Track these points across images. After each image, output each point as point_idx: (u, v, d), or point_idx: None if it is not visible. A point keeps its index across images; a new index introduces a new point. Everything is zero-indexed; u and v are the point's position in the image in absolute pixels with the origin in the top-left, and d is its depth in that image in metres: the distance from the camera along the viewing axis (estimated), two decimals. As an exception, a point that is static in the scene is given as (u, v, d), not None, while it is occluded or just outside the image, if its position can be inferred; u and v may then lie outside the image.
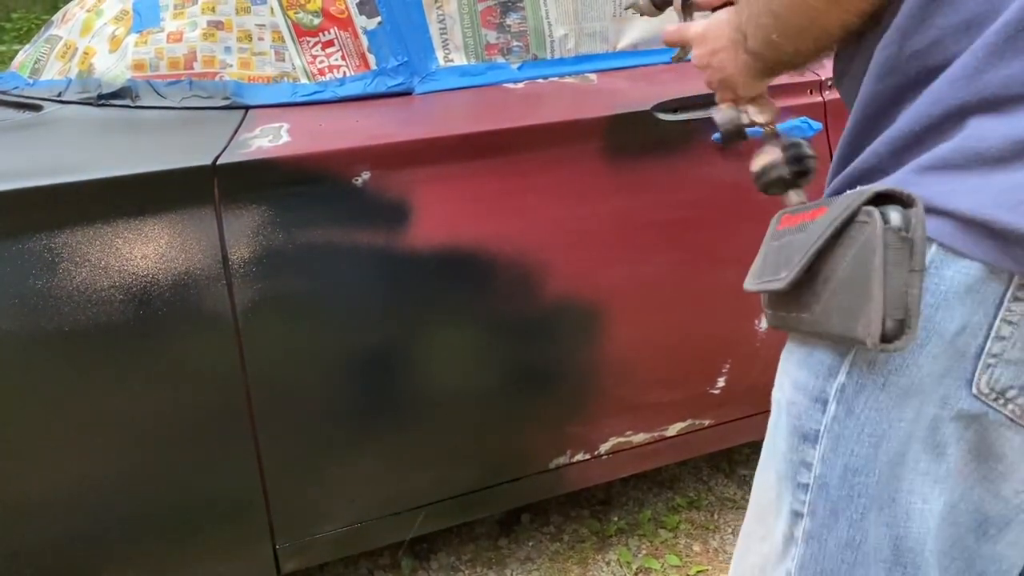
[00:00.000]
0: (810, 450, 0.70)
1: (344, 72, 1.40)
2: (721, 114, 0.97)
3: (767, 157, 0.92)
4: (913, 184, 0.63)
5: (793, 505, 0.72)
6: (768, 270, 0.73)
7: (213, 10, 1.36)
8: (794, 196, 0.91)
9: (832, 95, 1.61)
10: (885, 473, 0.67)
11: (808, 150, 0.92)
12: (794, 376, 0.73)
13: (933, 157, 0.63)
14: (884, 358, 0.64)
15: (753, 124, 0.97)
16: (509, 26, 1.49)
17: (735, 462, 2.18)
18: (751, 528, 0.81)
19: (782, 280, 0.68)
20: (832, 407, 0.68)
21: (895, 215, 0.60)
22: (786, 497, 0.73)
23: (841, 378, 0.67)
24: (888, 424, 0.66)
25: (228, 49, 1.35)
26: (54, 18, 1.59)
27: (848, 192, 0.65)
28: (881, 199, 0.62)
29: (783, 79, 0.89)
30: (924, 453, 0.66)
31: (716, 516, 1.99)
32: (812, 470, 0.70)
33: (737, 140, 0.98)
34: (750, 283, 0.77)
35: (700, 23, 0.95)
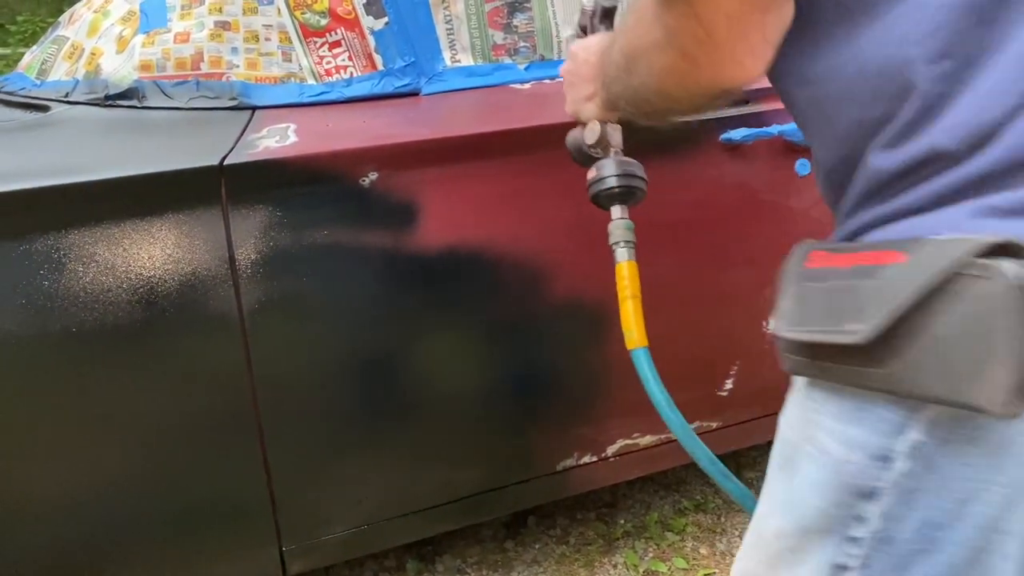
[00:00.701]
0: (867, 505, 0.64)
1: (351, 73, 1.39)
2: (570, 137, 1.04)
3: (596, 172, 1.01)
4: (1005, 229, 0.55)
5: (836, 558, 0.66)
6: (818, 317, 0.64)
7: (220, 11, 1.36)
8: (617, 211, 1.02)
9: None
10: (971, 536, 0.61)
11: (640, 173, 1.00)
12: (839, 431, 0.65)
13: (1014, 200, 0.57)
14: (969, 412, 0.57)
15: (588, 145, 1.01)
16: (516, 27, 1.49)
17: (742, 465, 2.17)
18: (755, 571, 0.75)
19: (854, 334, 0.59)
20: (902, 464, 0.62)
21: (1012, 268, 0.52)
22: (823, 550, 0.67)
23: (914, 435, 0.61)
24: (980, 483, 0.60)
25: (235, 50, 1.35)
26: (61, 19, 1.59)
27: (933, 239, 0.57)
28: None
29: None
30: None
31: (723, 519, 1.98)
32: (867, 524, 0.64)
33: (585, 161, 1.03)
34: (790, 329, 0.67)
35: (581, 41, 0.99)
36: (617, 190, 1.00)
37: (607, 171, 1.00)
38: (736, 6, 0.60)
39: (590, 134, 0.99)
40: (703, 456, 1.00)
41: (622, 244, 1.02)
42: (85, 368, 1.21)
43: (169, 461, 1.29)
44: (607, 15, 1.04)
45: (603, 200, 1.02)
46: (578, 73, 0.96)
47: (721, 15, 0.61)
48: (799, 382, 0.70)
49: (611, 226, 1.03)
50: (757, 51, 0.63)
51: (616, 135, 1.02)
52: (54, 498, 1.25)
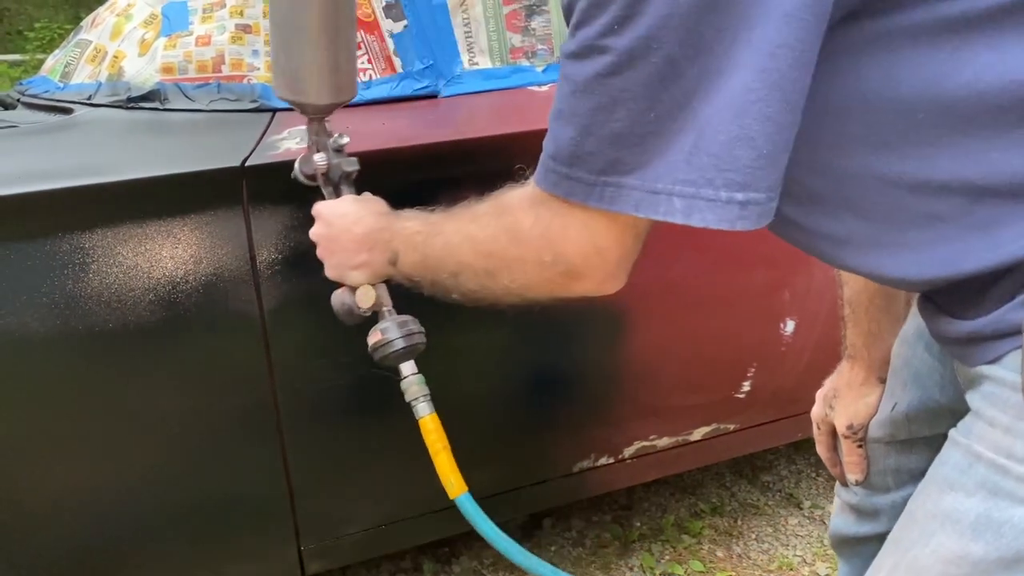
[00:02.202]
0: None
1: (370, 75, 1.40)
2: (336, 299, 1.03)
3: (378, 336, 1.03)
4: None
5: None
6: None
7: (241, 14, 1.37)
8: (407, 367, 1.04)
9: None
10: None
11: (416, 326, 1.04)
12: None
13: None
14: None
15: (361, 309, 1.02)
16: (534, 29, 1.49)
17: (758, 468, 2.16)
18: None
19: None
20: None
21: None
22: None
23: None
24: None
25: (256, 52, 1.36)
26: (84, 22, 1.61)
27: None
28: None
29: None
30: None
31: (739, 522, 1.98)
32: None
33: (355, 322, 1.04)
34: None
35: (330, 204, 1.01)
36: (404, 350, 1.03)
37: (391, 334, 1.03)
38: (630, 243, 0.68)
39: (364, 299, 1.01)
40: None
41: (420, 399, 1.06)
42: (107, 367, 1.22)
43: (190, 460, 1.30)
44: (347, 178, 1.08)
45: (391, 362, 1.05)
46: (339, 241, 0.98)
47: (617, 249, 0.69)
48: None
49: (404, 384, 1.06)
50: (629, 270, 0.72)
51: (385, 294, 1.03)
52: (75, 497, 1.26)
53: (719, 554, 1.87)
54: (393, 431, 1.42)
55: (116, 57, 1.42)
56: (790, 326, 1.64)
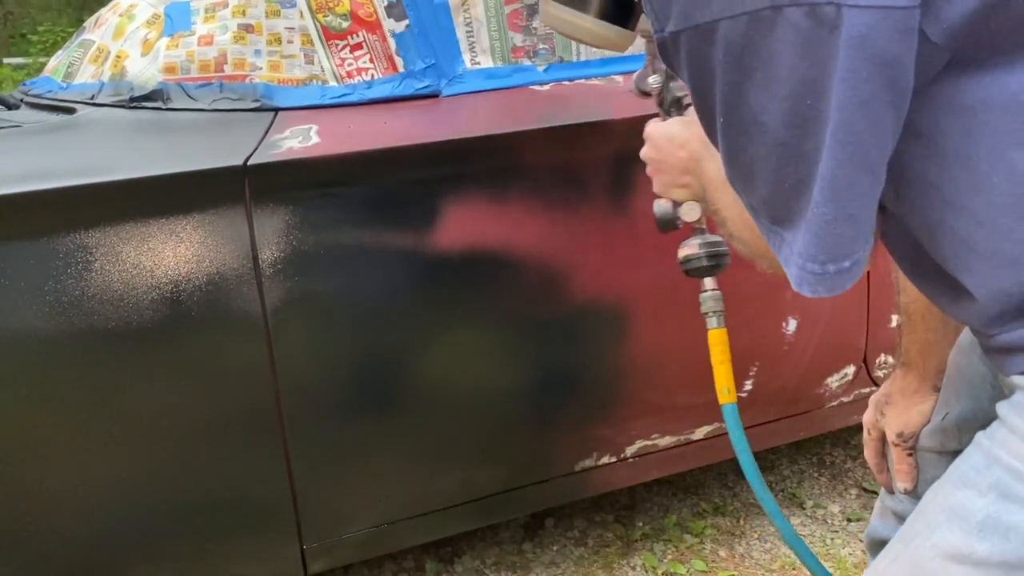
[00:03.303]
0: None
1: (372, 75, 1.41)
2: (660, 208, 1.11)
3: (689, 250, 1.12)
4: None
5: None
6: None
7: (243, 14, 1.37)
8: (709, 282, 1.14)
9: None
10: None
11: (723, 247, 1.11)
12: None
13: None
14: None
15: (684, 222, 1.10)
16: (536, 29, 1.49)
17: (761, 468, 2.16)
18: None
19: None
20: None
21: None
22: None
23: None
24: None
25: (258, 52, 1.36)
26: (87, 23, 1.62)
27: None
28: None
29: None
30: None
31: (742, 521, 1.97)
32: None
33: (671, 230, 1.12)
34: None
35: (661, 126, 1.05)
36: (710, 266, 1.12)
37: (702, 251, 1.12)
38: None
39: (690, 213, 1.08)
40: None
41: (713, 314, 1.16)
42: (109, 366, 1.22)
43: (192, 459, 1.30)
44: (677, 103, 1.12)
45: (698, 275, 1.14)
46: (666, 162, 1.03)
47: None
48: None
49: (704, 296, 1.16)
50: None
51: (703, 212, 1.10)
52: (78, 495, 1.26)
53: (721, 554, 1.87)
54: (395, 430, 1.43)
55: (119, 57, 1.42)
56: (792, 325, 1.64)
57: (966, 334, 0.95)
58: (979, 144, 0.61)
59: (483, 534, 1.92)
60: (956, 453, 0.95)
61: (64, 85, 1.50)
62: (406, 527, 1.50)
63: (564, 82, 1.50)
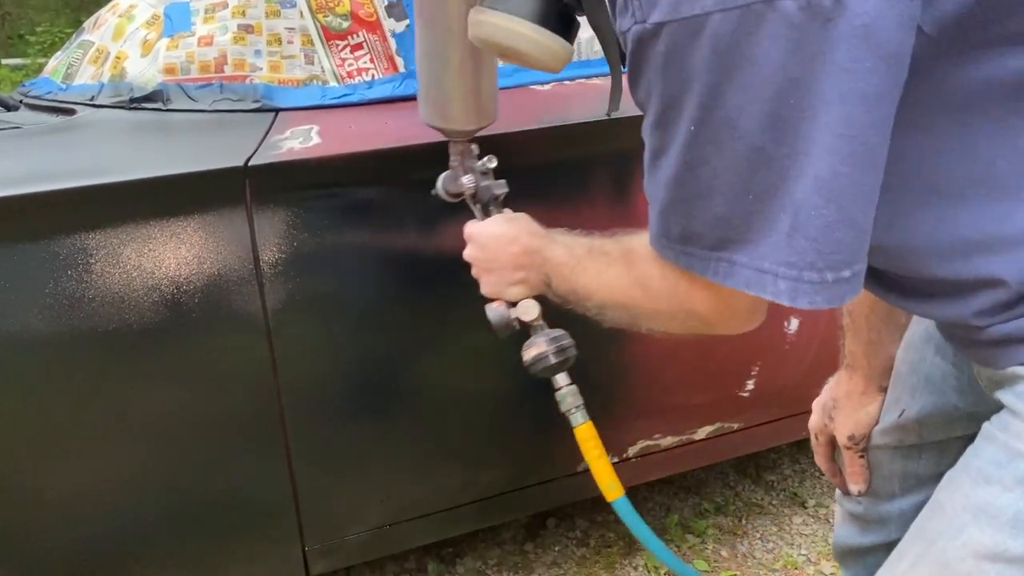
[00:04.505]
0: None
1: (373, 75, 1.40)
2: (493, 313, 1.07)
3: (535, 350, 1.08)
4: None
5: None
6: None
7: (243, 14, 1.37)
8: (561, 379, 1.10)
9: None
10: None
11: (568, 340, 1.08)
12: None
13: None
14: None
15: (522, 323, 1.07)
16: (536, 28, 1.49)
17: (762, 467, 2.16)
18: None
19: None
20: None
21: None
22: None
23: None
24: None
25: (258, 52, 1.36)
26: (86, 24, 1.61)
27: None
28: None
29: None
30: None
31: (744, 521, 1.97)
32: None
33: (509, 333, 1.08)
34: None
35: (482, 226, 1.05)
36: (559, 364, 1.08)
37: (546, 349, 1.08)
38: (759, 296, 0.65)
39: (528, 312, 1.05)
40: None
41: (575, 410, 1.12)
42: (110, 368, 1.22)
43: (194, 460, 1.30)
44: (495, 200, 1.12)
45: (546, 374, 1.10)
46: (497, 260, 1.02)
47: (745, 302, 0.68)
48: None
49: (560, 395, 1.12)
50: (764, 311, 0.72)
51: (540, 309, 1.07)
52: (80, 497, 1.26)
53: (723, 553, 1.87)
54: (397, 431, 1.43)
55: (118, 58, 1.42)
56: (794, 324, 1.64)
57: (916, 329, 0.94)
58: (977, 134, 0.60)
59: (485, 534, 1.92)
60: (913, 447, 0.95)
61: (63, 86, 1.50)
62: (408, 528, 1.50)
63: (565, 82, 1.50)
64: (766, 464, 2.17)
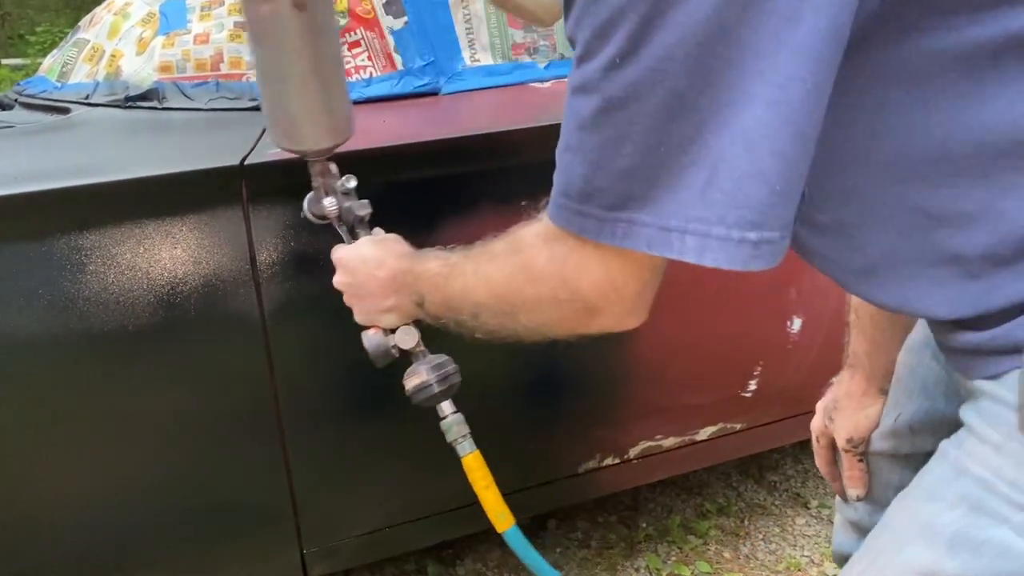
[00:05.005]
0: None
1: (371, 72, 1.39)
2: (370, 341, 1.02)
3: (417, 378, 1.03)
4: None
5: None
6: None
7: (240, 11, 1.35)
8: (446, 407, 1.06)
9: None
10: None
11: (451, 365, 1.05)
12: None
13: None
14: None
15: (400, 350, 1.02)
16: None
17: (764, 467, 2.15)
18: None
19: None
20: None
21: None
22: None
23: None
24: None
25: (255, 50, 1.34)
26: (82, 22, 1.60)
27: None
28: None
29: None
30: None
31: (746, 522, 1.96)
32: None
33: (388, 362, 1.03)
34: None
35: (350, 250, 0.99)
36: (442, 392, 1.05)
37: (428, 377, 1.04)
38: (648, 277, 0.65)
39: (407, 339, 1.01)
40: None
41: (461, 439, 1.07)
42: (105, 369, 1.20)
43: (190, 463, 1.28)
44: (360, 222, 1.06)
45: (430, 403, 1.06)
46: (366, 286, 0.97)
47: (634, 283, 0.66)
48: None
49: (445, 424, 1.07)
50: (649, 304, 0.70)
51: (418, 335, 1.03)
52: (75, 500, 1.24)
53: (726, 555, 1.85)
54: (396, 433, 1.41)
55: (114, 56, 1.40)
56: (797, 324, 1.62)
57: (917, 332, 0.92)
58: (932, 109, 0.57)
59: (485, 536, 1.90)
60: (909, 456, 0.93)
61: (59, 85, 1.48)
62: (407, 530, 1.48)
63: (565, 79, 1.49)
64: (769, 464, 2.15)
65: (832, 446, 1.04)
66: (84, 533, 1.26)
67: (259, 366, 1.27)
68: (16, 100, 1.57)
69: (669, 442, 1.63)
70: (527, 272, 0.73)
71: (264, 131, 1.28)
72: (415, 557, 1.84)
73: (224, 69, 1.34)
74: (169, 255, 1.20)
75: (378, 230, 1.07)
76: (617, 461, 1.60)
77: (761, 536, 1.91)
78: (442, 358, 1.05)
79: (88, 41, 1.49)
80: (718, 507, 2.00)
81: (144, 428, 1.24)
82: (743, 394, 1.65)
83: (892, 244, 0.64)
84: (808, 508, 2.00)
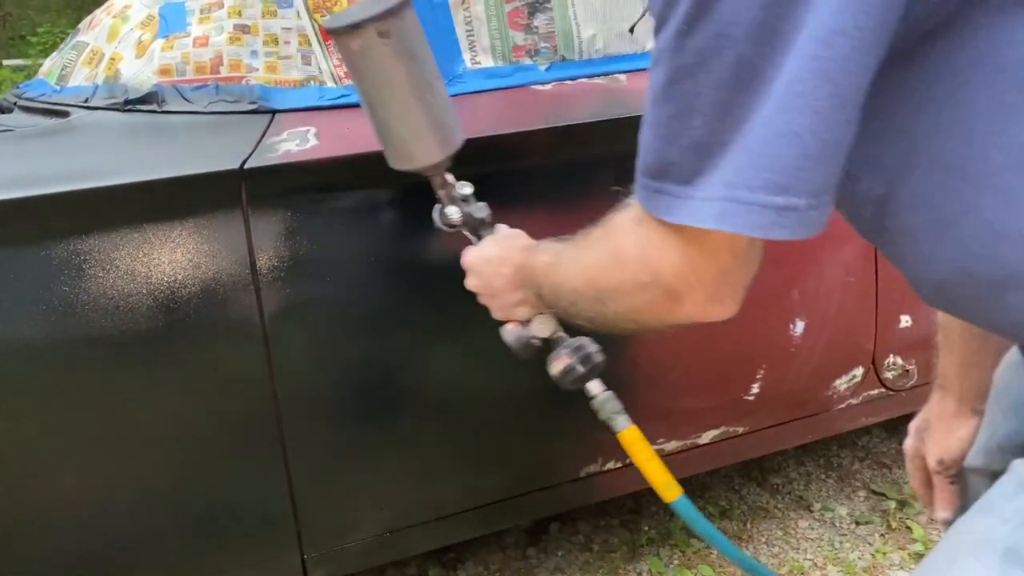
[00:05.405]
0: None
1: (371, 75, 1.38)
2: (509, 335, 1.06)
3: (561, 363, 1.06)
4: None
5: None
6: None
7: (239, 14, 1.35)
8: (594, 386, 1.08)
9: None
10: None
11: (593, 346, 1.06)
12: None
13: None
14: None
15: (540, 339, 1.05)
16: (537, 27, 1.47)
17: (767, 470, 2.14)
18: None
19: None
20: None
21: None
22: None
23: None
24: None
25: (254, 53, 1.34)
26: (81, 24, 1.59)
27: None
28: None
29: None
30: None
31: (748, 525, 1.95)
32: None
33: (531, 353, 1.07)
34: None
35: (475, 252, 1.05)
36: (587, 372, 1.07)
37: (571, 360, 1.06)
38: (728, 261, 0.63)
39: (544, 328, 1.04)
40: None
41: (615, 415, 1.10)
42: (105, 374, 1.20)
43: (190, 468, 1.28)
44: (483, 223, 1.12)
45: (577, 385, 1.08)
46: (494, 285, 1.01)
47: (713, 267, 0.64)
48: None
49: (596, 404, 1.09)
50: (737, 294, 0.68)
51: (556, 321, 1.05)
52: (75, 505, 1.24)
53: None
54: (397, 437, 1.41)
55: (113, 59, 1.40)
56: (800, 327, 1.61)
57: (1016, 350, 0.90)
58: (993, 108, 0.54)
59: (487, 539, 1.90)
60: (1000, 475, 0.91)
61: (58, 88, 1.48)
62: (408, 535, 1.48)
63: (566, 81, 1.48)
64: (771, 467, 2.15)
65: (926, 466, 1.01)
66: (83, 538, 1.25)
67: (259, 370, 1.26)
68: (15, 103, 1.56)
69: (671, 446, 1.63)
70: (614, 256, 0.73)
71: (264, 133, 1.27)
72: (417, 561, 1.83)
73: (224, 72, 1.33)
74: (169, 259, 1.19)
75: (501, 227, 1.11)
76: (619, 465, 1.59)
77: (764, 539, 1.91)
78: (582, 340, 1.06)
79: (87, 44, 1.48)
80: (720, 510, 2.00)
81: (144, 433, 1.23)
82: (746, 397, 1.64)
83: (961, 260, 0.61)
84: (811, 511, 1.99)
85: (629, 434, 1.08)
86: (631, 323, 0.76)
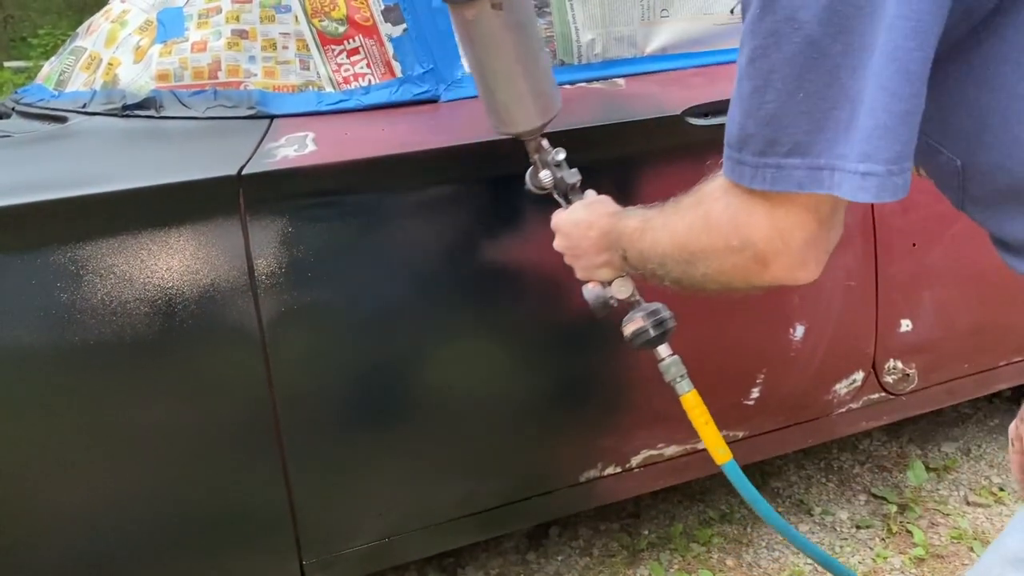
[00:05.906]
0: None
1: (369, 80, 1.38)
2: (590, 293, 1.12)
3: (634, 325, 1.11)
4: None
5: None
6: None
7: (237, 19, 1.35)
8: (663, 350, 1.13)
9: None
10: None
11: (665, 312, 1.12)
12: None
13: None
14: None
15: (617, 300, 1.11)
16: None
17: (767, 474, 2.13)
18: None
19: None
20: None
21: None
22: None
23: None
24: None
25: (253, 58, 1.34)
26: (79, 29, 1.59)
27: None
28: None
29: None
30: None
31: (749, 530, 1.94)
32: None
33: (608, 312, 1.12)
34: None
35: (564, 215, 1.10)
36: (658, 336, 1.12)
37: (645, 323, 1.11)
38: (814, 227, 0.68)
39: (622, 290, 1.10)
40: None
41: (679, 379, 1.15)
42: (103, 381, 1.20)
43: (189, 474, 1.28)
44: (573, 188, 1.18)
45: (647, 347, 1.13)
46: (580, 246, 1.07)
47: (799, 232, 0.69)
48: None
49: (663, 366, 1.14)
50: (821, 258, 0.72)
51: (634, 285, 1.11)
52: (73, 511, 1.24)
53: (729, 563, 1.84)
54: (396, 443, 1.40)
55: (111, 64, 1.40)
56: (800, 331, 1.61)
57: None
58: None
59: (487, 544, 1.89)
60: None
61: (56, 93, 1.48)
62: (408, 541, 1.47)
63: (565, 85, 1.47)
64: (772, 471, 2.14)
65: None
66: (81, 545, 1.25)
67: (257, 376, 1.26)
68: (13, 109, 1.56)
69: (671, 450, 1.62)
70: (704, 221, 0.77)
71: (262, 139, 1.27)
72: (416, 566, 1.83)
73: (222, 77, 1.33)
74: (166, 265, 1.19)
75: (590, 192, 1.16)
76: (619, 470, 1.59)
77: (764, 543, 1.90)
78: (656, 305, 1.12)
79: (85, 49, 1.48)
80: (721, 514, 1.99)
81: (142, 440, 1.23)
82: (745, 402, 1.64)
83: None
84: (812, 515, 1.99)
85: (691, 397, 1.15)
86: (718, 284, 0.81)
